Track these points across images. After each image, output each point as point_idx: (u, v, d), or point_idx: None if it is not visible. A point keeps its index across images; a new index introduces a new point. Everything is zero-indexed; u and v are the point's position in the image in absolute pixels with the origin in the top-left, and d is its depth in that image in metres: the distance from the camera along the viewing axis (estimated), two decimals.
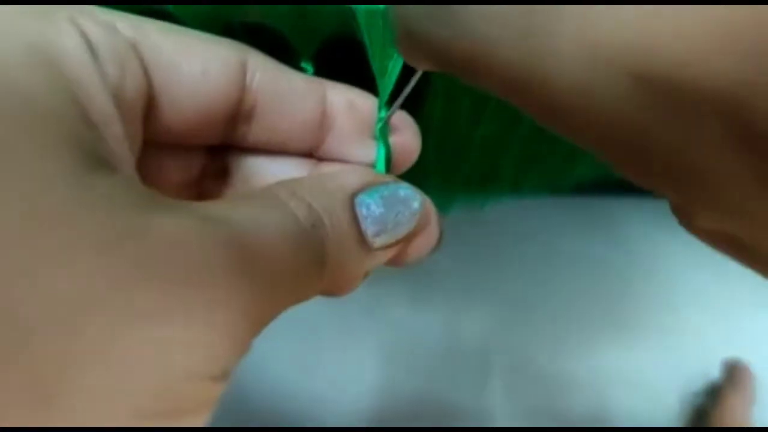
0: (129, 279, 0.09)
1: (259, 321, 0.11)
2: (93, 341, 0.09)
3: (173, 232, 0.10)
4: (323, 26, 0.17)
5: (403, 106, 0.15)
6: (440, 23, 0.09)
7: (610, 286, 0.61)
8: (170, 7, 0.16)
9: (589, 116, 0.07)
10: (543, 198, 0.36)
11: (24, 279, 0.08)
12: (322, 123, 0.15)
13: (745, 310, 0.60)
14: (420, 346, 0.57)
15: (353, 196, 0.13)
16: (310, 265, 0.12)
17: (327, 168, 0.16)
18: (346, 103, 0.15)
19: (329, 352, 0.56)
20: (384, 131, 0.15)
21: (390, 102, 0.15)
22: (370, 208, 0.13)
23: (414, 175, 0.16)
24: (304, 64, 0.18)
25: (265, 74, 0.14)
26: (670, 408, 0.55)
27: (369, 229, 0.13)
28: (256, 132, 0.15)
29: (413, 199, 0.14)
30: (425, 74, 0.13)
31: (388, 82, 0.15)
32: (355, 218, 0.13)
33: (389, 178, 0.15)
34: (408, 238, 0.14)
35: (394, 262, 0.15)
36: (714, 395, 0.54)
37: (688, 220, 0.08)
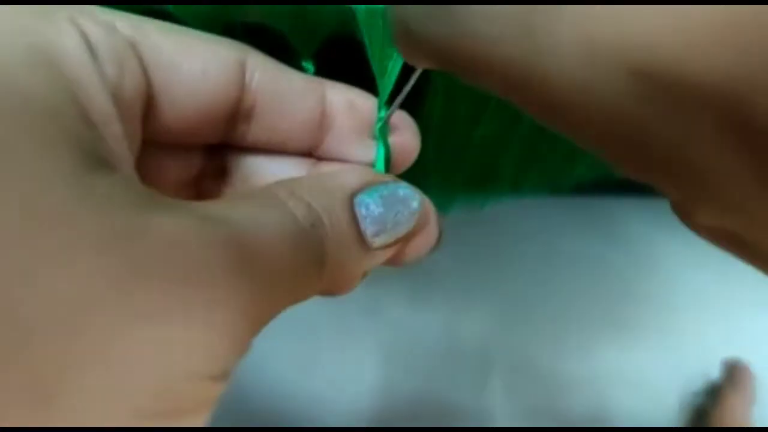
0: (129, 279, 0.09)
1: (259, 320, 0.11)
2: (93, 341, 0.09)
3: (172, 232, 0.10)
4: (323, 26, 0.17)
5: (403, 106, 0.15)
6: (439, 22, 0.09)
7: (610, 286, 0.61)
8: (170, 7, 0.16)
9: (588, 113, 0.07)
10: (543, 198, 0.36)
11: (24, 279, 0.08)
12: (322, 122, 0.15)
13: (745, 310, 0.60)
14: (419, 346, 0.57)
15: (352, 195, 0.13)
16: (309, 264, 0.12)
17: (326, 167, 0.16)
18: (346, 103, 0.15)
19: (328, 352, 0.56)
20: (384, 131, 0.15)
21: (389, 102, 0.15)
22: (370, 207, 0.13)
23: (414, 175, 0.16)
24: (305, 64, 0.18)
25: (265, 74, 0.14)
26: (670, 408, 0.55)
27: (368, 228, 0.13)
28: (255, 131, 0.15)
29: (412, 198, 0.14)
30: (425, 74, 0.13)
31: (387, 81, 0.15)
32: (354, 218, 0.13)
33: (388, 177, 0.15)
34: (407, 238, 0.14)
35: (393, 261, 0.15)
36: (714, 395, 0.54)
37: (688, 217, 0.08)
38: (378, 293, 0.59)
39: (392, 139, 0.16)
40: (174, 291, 0.09)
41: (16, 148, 0.09)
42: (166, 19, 0.13)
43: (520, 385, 0.56)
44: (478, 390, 0.55)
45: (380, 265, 0.14)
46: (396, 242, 0.14)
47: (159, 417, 0.10)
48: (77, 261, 0.08)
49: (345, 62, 0.17)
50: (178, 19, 0.16)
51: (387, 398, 0.54)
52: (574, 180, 0.34)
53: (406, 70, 0.14)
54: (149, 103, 0.12)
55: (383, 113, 0.15)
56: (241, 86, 0.14)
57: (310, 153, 0.16)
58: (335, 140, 0.15)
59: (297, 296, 0.12)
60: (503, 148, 0.29)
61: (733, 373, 0.54)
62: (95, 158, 0.10)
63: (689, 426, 0.54)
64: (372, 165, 0.16)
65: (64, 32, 0.11)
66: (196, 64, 0.13)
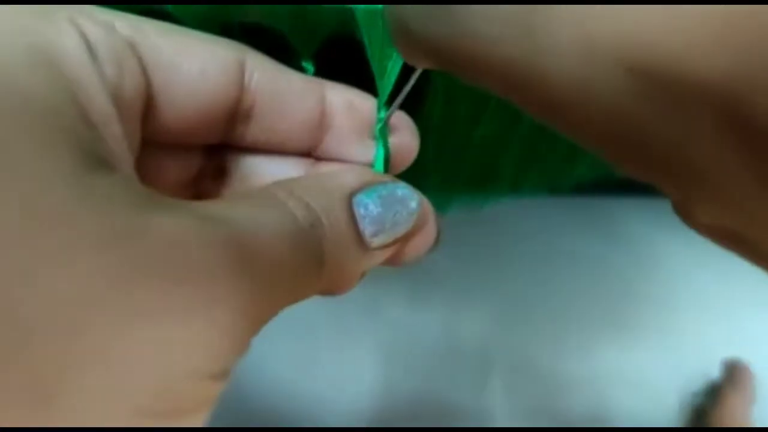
0: (129, 278, 0.09)
1: (258, 320, 0.11)
2: (93, 341, 0.09)
3: (172, 232, 0.10)
4: (323, 26, 0.17)
5: (403, 106, 0.15)
6: (439, 22, 0.09)
7: (610, 286, 0.61)
8: (169, 7, 0.16)
9: (588, 112, 0.07)
10: (543, 198, 0.36)
11: (24, 279, 0.08)
12: (321, 123, 0.15)
13: (745, 310, 0.60)
14: (419, 346, 0.57)
15: (351, 195, 0.13)
16: (308, 264, 0.12)
17: (325, 167, 0.16)
18: (345, 103, 0.15)
19: (327, 352, 0.56)
20: (384, 132, 0.15)
21: (389, 102, 0.15)
22: (368, 207, 0.13)
23: (413, 175, 0.16)
24: (304, 64, 0.18)
25: (264, 74, 0.14)
26: (670, 408, 0.55)
27: (367, 228, 0.13)
28: (254, 132, 0.15)
29: (411, 198, 0.14)
30: (425, 74, 0.13)
31: (387, 82, 0.15)
32: (353, 218, 0.13)
33: (387, 177, 0.15)
34: (405, 238, 0.14)
35: (391, 261, 0.15)
36: (714, 395, 0.54)
37: (688, 215, 0.08)
38: (377, 293, 0.59)
39: (391, 140, 0.16)
40: (174, 290, 0.09)
41: (15, 148, 0.09)
42: (165, 19, 0.13)
43: (520, 385, 0.56)
44: (478, 390, 0.55)
45: (379, 265, 0.14)
46: (394, 242, 0.14)
47: (159, 416, 0.10)
48: (77, 261, 0.08)
49: (345, 62, 0.17)
50: (177, 19, 0.16)
51: (386, 398, 0.54)
52: (574, 180, 0.34)
53: (406, 71, 0.14)
54: (148, 104, 0.12)
55: (383, 114, 0.15)
56: (240, 86, 0.14)
57: (309, 153, 0.16)
58: (334, 140, 0.15)
59: (296, 296, 0.12)
60: (503, 148, 0.29)
61: (733, 373, 0.54)
62: (95, 158, 0.10)
63: (689, 426, 0.54)
64: (371, 165, 0.16)
65: (64, 32, 0.11)
66: (195, 65, 0.13)
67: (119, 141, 0.11)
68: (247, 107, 0.14)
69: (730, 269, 0.61)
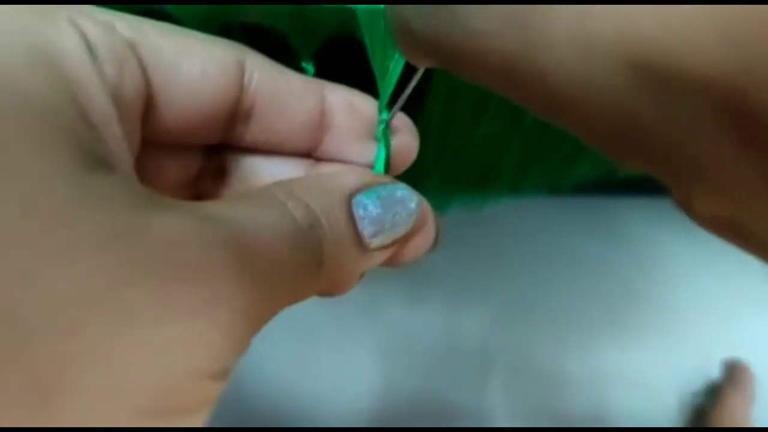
0: (129, 278, 0.09)
1: (258, 320, 0.11)
2: (93, 341, 0.09)
3: (172, 232, 0.10)
4: (323, 26, 0.18)
5: (403, 107, 0.15)
6: (440, 21, 0.09)
7: (611, 286, 0.61)
8: (169, 7, 0.16)
9: (589, 108, 0.07)
10: (543, 198, 0.36)
11: (24, 279, 0.08)
12: (321, 123, 0.15)
13: (745, 311, 0.60)
14: (419, 346, 0.57)
15: (351, 196, 0.13)
16: (307, 264, 0.12)
17: (325, 168, 0.16)
18: (345, 104, 0.15)
19: (327, 352, 0.56)
20: (386, 133, 0.15)
21: (390, 103, 0.15)
22: (368, 208, 0.13)
23: (413, 175, 0.16)
24: (304, 64, 0.18)
25: (264, 75, 0.14)
26: (670, 408, 0.55)
27: (366, 229, 0.13)
28: (254, 132, 0.15)
29: (410, 199, 0.14)
30: (425, 74, 0.13)
31: (389, 83, 0.15)
32: (352, 219, 0.13)
33: (386, 178, 0.15)
34: (405, 239, 0.14)
35: (390, 262, 0.15)
36: (714, 395, 0.54)
37: (688, 207, 0.08)
38: (377, 293, 0.59)
39: (391, 141, 0.16)
40: (174, 290, 0.09)
41: (15, 148, 0.09)
42: (165, 20, 0.13)
43: (520, 385, 0.56)
44: (477, 390, 0.55)
45: (378, 265, 0.14)
46: (393, 243, 0.14)
47: (159, 416, 0.10)
48: (77, 261, 0.08)
49: (345, 63, 0.17)
50: (176, 20, 0.17)
51: (386, 398, 0.54)
52: (574, 180, 0.34)
53: (406, 72, 0.14)
54: (148, 104, 0.12)
55: (385, 115, 0.15)
56: (240, 87, 0.14)
57: (309, 154, 0.16)
58: (334, 141, 0.15)
59: (296, 296, 0.12)
60: (503, 148, 0.29)
61: (733, 373, 0.54)
62: (95, 158, 0.10)
63: (689, 426, 0.54)
64: (370, 166, 0.16)
65: (64, 32, 0.11)
66: (195, 65, 0.13)
67: (119, 141, 0.11)
68: (247, 107, 0.14)
69: (730, 270, 0.61)
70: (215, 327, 0.10)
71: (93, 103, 0.10)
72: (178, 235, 0.10)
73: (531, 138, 0.28)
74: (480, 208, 0.35)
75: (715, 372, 0.56)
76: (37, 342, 0.08)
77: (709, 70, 0.06)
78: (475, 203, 0.35)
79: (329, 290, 0.13)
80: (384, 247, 0.14)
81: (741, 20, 0.06)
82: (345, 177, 0.14)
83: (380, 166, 0.15)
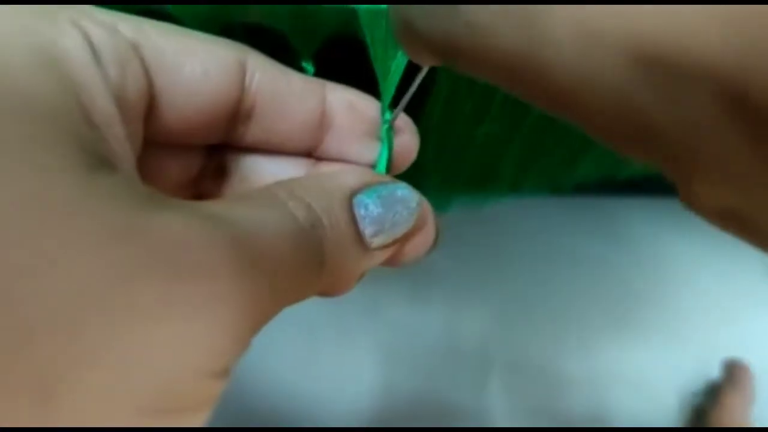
0: (130, 277, 0.09)
1: (259, 319, 0.11)
2: (94, 340, 0.09)
3: (174, 231, 0.10)
4: (323, 26, 0.18)
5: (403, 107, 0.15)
6: (443, 19, 0.09)
7: (611, 286, 0.61)
8: (170, 8, 0.16)
9: (593, 102, 0.07)
10: (543, 197, 0.36)
11: (24, 278, 0.08)
12: (321, 123, 0.15)
13: (745, 311, 0.60)
14: (419, 346, 0.57)
15: (351, 196, 0.13)
16: (308, 264, 0.12)
17: (325, 168, 0.16)
18: (345, 104, 0.15)
19: (327, 352, 0.56)
20: (389, 133, 0.15)
21: (391, 103, 0.15)
22: (369, 208, 0.13)
23: (413, 175, 0.16)
24: (304, 64, 0.18)
25: (265, 75, 0.14)
26: (670, 408, 0.55)
27: (367, 229, 0.13)
28: (255, 132, 0.15)
29: (411, 199, 0.14)
30: (428, 74, 0.13)
31: (391, 83, 0.15)
32: (353, 218, 0.13)
33: (387, 178, 0.15)
34: (405, 238, 0.14)
35: (391, 262, 0.15)
36: (714, 395, 0.54)
37: (691, 199, 0.08)
38: (377, 293, 0.59)
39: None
40: (176, 289, 0.09)
41: (17, 147, 0.09)
42: (166, 20, 0.13)
43: (520, 385, 0.56)
44: (477, 390, 0.55)
45: (379, 265, 0.14)
46: (394, 242, 0.14)
47: (160, 415, 0.10)
48: (78, 260, 0.08)
49: (346, 63, 0.17)
50: (177, 20, 0.17)
51: (386, 398, 0.54)
52: (575, 181, 0.34)
53: (407, 72, 0.14)
54: (150, 104, 0.12)
55: (389, 115, 0.15)
56: (242, 87, 0.14)
57: (310, 153, 0.16)
58: (335, 141, 0.15)
59: (297, 296, 0.12)
60: (504, 148, 0.29)
61: (733, 373, 0.54)
62: (97, 158, 0.10)
63: (689, 426, 0.54)
64: (371, 165, 0.16)
65: (67, 33, 0.11)
66: (197, 66, 0.13)
67: (121, 141, 0.11)
68: (248, 107, 0.14)
69: (730, 270, 0.61)
70: (216, 326, 0.10)
71: (96, 104, 0.10)
72: (179, 234, 0.10)
73: (531, 138, 0.28)
74: (480, 208, 0.35)
75: (715, 372, 0.56)
76: (37, 341, 0.08)
77: (715, 62, 0.06)
78: (476, 203, 0.35)
79: (330, 290, 0.13)
80: (385, 247, 0.14)
81: (746, 13, 0.06)
82: (346, 177, 0.14)
83: (382, 166, 0.15)
